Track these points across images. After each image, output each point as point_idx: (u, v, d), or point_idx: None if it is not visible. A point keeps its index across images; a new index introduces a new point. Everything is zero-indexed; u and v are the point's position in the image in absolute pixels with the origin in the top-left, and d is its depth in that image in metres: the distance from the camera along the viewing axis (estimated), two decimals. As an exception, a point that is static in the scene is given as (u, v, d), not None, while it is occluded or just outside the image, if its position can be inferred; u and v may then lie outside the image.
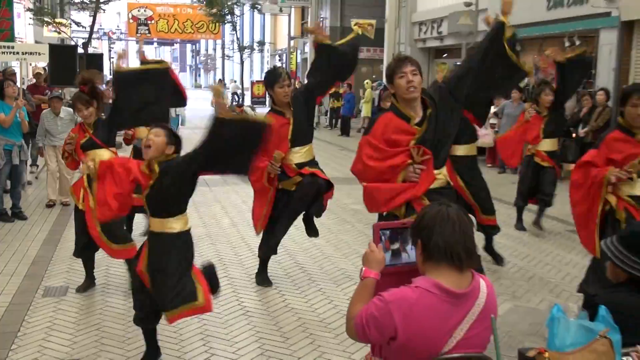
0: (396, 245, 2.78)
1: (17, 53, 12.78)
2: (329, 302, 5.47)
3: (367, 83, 22.04)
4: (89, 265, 5.66)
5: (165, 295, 3.85)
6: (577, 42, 13.36)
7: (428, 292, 2.37)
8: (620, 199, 4.49)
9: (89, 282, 5.66)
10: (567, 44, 13.52)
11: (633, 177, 4.40)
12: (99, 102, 5.60)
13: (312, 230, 6.08)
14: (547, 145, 7.62)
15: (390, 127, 3.97)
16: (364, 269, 2.63)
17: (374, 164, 3.97)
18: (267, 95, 28.04)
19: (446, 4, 18.26)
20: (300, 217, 5.95)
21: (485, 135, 6.29)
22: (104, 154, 5.45)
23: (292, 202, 5.61)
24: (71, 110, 8.98)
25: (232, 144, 3.83)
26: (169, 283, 3.85)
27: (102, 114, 5.85)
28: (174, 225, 3.97)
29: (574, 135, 11.42)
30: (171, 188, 3.90)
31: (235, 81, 33.46)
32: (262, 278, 5.89)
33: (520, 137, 7.77)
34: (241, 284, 5.90)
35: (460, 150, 6.07)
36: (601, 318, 2.39)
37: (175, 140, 3.97)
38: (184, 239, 4.05)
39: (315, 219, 6.06)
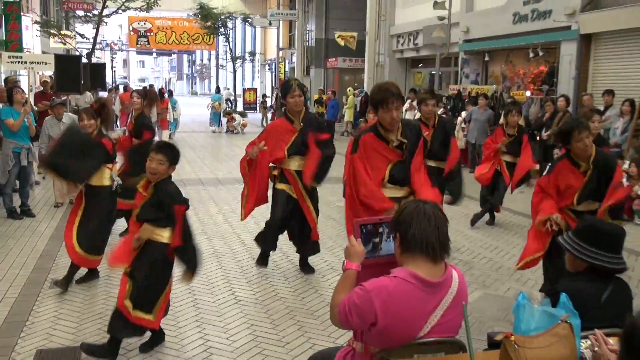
0: (375, 239, 2.78)
1: (25, 62, 12.64)
2: (315, 291, 5.47)
3: (349, 90, 22.08)
4: None
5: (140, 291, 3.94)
6: (540, 53, 13.48)
7: (405, 281, 2.37)
8: (562, 213, 4.65)
9: (90, 274, 5.63)
10: (531, 54, 13.64)
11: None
12: (102, 121, 5.48)
13: (307, 268, 6.00)
14: (508, 157, 7.81)
15: (374, 147, 4.12)
16: (346, 261, 2.64)
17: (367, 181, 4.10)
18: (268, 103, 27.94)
19: (421, 18, 18.33)
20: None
21: None
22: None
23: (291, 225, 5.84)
24: (73, 115, 8.85)
25: None
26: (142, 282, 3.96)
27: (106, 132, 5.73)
28: (164, 234, 3.99)
29: (537, 137, 11.50)
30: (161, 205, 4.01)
31: (228, 89, 33.31)
32: (263, 261, 6.01)
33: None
34: (234, 275, 5.88)
35: (435, 163, 6.17)
36: (562, 305, 2.41)
37: (175, 159, 4.08)
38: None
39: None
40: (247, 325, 4.70)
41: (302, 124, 5.64)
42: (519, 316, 2.37)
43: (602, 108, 10.72)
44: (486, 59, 16.15)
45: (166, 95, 20.15)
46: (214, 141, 20.00)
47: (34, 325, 4.61)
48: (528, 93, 13.69)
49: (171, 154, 4.02)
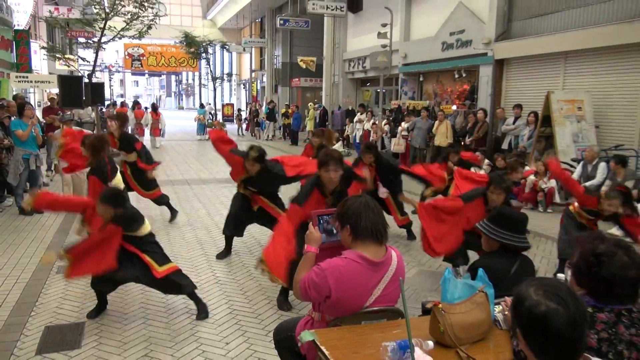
0: (330, 227, 2.79)
1: (31, 82, 12.23)
2: (282, 271, 5.44)
3: (310, 105, 22.05)
4: None
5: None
6: (464, 75, 13.73)
7: (354, 261, 2.39)
8: None
9: None
10: (456, 76, 13.88)
11: None
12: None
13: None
14: None
15: (315, 198, 4.07)
16: (306, 245, 2.64)
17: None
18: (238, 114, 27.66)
19: (368, 45, 18.45)
20: None
21: (384, 193, 6.53)
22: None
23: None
24: (79, 129, 8.56)
25: None
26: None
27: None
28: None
29: (462, 143, 11.72)
30: None
31: (209, 104, 32.90)
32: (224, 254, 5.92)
33: None
34: (214, 259, 5.81)
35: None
36: (479, 278, 2.46)
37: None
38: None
39: None
40: (226, 300, 4.65)
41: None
42: (445, 287, 2.41)
43: (512, 119, 11.01)
44: (421, 79, 16.36)
45: (150, 109, 20.00)
46: (198, 148, 19.69)
47: (43, 305, 4.47)
48: (454, 107, 13.93)
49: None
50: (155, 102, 28.24)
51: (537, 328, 1.48)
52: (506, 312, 2.41)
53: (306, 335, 2.28)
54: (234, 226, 5.80)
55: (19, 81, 12.65)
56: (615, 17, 9.58)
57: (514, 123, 10.91)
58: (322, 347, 2.20)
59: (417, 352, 2.11)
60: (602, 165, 8.28)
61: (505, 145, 10.99)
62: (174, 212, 7.47)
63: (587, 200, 5.10)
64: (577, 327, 1.46)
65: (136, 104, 21.01)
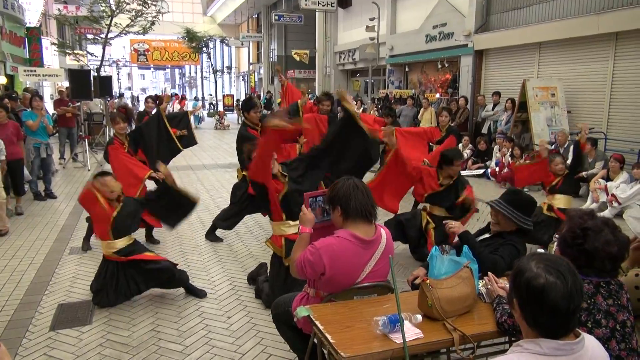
0: (321, 208, 2.71)
1: (39, 75, 11.94)
2: (280, 249, 5.36)
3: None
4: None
5: None
6: (446, 65, 13.58)
7: (346, 240, 2.32)
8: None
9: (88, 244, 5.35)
10: (439, 66, 13.73)
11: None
12: (129, 122, 5.38)
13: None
14: None
15: None
16: (300, 226, 2.56)
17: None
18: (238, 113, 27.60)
19: (357, 39, 18.23)
20: None
21: None
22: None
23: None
24: None
25: (169, 208, 4.08)
26: None
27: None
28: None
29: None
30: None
31: (211, 95, 32.61)
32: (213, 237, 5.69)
33: None
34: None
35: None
36: (464, 254, 2.40)
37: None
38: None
39: None
40: (227, 277, 4.58)
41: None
42: (432, 264, 2.35)
43: (491, 105, 10.92)
44: (406, 69, 16.20)
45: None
46: (199, 136, 19.44)
47: (56, 285, 4.39)
48: (437, 95, 13.81)
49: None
50: (159, 93, 28.16)
51: (535, 300, 1.41)
52: (489, 287, 2.36)
53: (302, 311, 2.22)
54: None
55: (26, 75, 12.36)
56: (584, 9, 9.47)
57: (493, 109, 10.83)
58: (317, 322, 2.13)
59: (407, 325, 2.06)
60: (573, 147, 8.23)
61: (485, 130, 10.92)
62: None
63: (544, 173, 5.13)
64: (573, 301, 1.40)
65: (183, 97, 22.32)
